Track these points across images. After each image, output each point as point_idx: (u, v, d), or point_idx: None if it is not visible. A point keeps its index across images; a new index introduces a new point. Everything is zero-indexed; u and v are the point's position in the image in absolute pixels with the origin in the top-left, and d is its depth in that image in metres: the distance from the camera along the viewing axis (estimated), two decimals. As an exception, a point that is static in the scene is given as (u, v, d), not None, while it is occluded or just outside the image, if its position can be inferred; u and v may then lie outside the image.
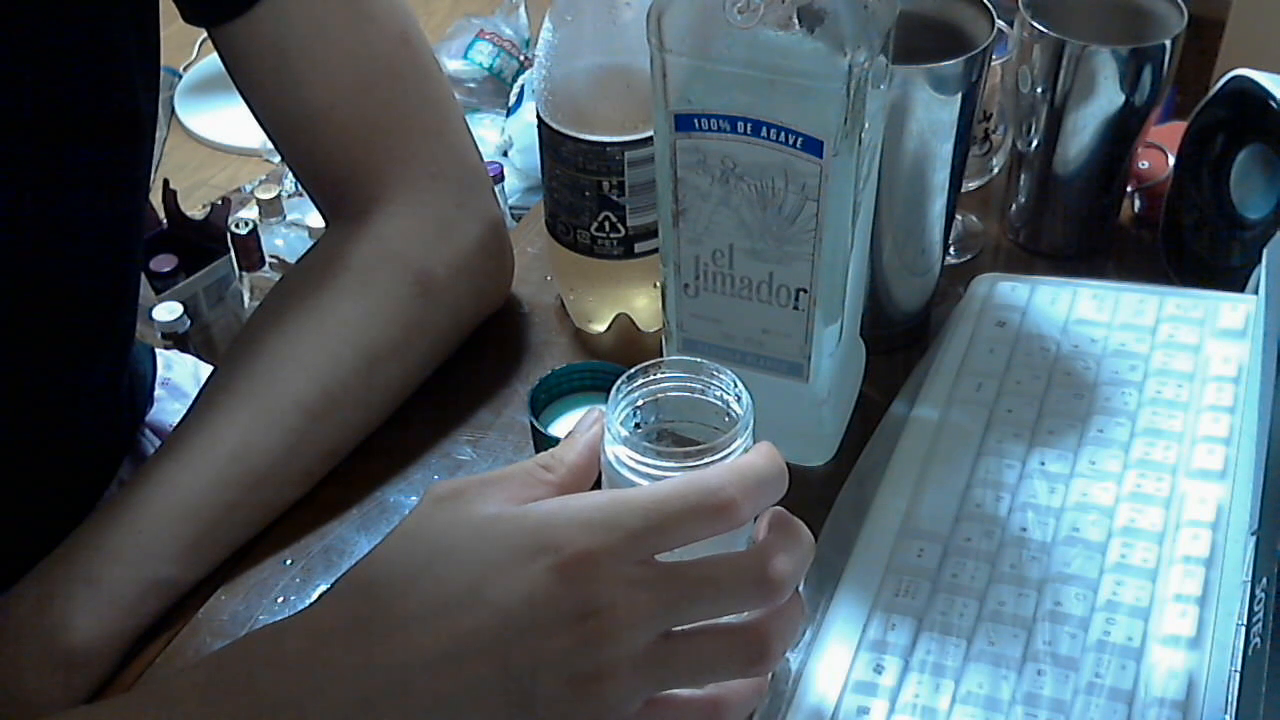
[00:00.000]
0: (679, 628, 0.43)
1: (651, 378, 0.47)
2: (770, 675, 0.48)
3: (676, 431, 0.49)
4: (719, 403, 0.47)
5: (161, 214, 1.73)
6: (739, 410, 0.46)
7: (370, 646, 0.42)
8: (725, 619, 0.44)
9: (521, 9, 2.08)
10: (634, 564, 0.42)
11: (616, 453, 0.46)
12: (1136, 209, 0.80)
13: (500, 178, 1.78)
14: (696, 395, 0.48)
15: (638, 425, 0.47)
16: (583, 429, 0.48)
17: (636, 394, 0.47)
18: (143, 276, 1.58)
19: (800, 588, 0.56)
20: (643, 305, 0.72)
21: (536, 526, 0.43)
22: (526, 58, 2.01)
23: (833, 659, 0.53)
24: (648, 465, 0.45)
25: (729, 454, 0.45)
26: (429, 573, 0.43)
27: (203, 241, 1.69)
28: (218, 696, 0.44)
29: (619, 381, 0.47)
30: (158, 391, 0.81)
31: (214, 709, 0.44)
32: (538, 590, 0.41)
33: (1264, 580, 0.48)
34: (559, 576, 0.41)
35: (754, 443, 0.46)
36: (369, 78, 0.66)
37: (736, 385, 0.47)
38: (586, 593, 0.41)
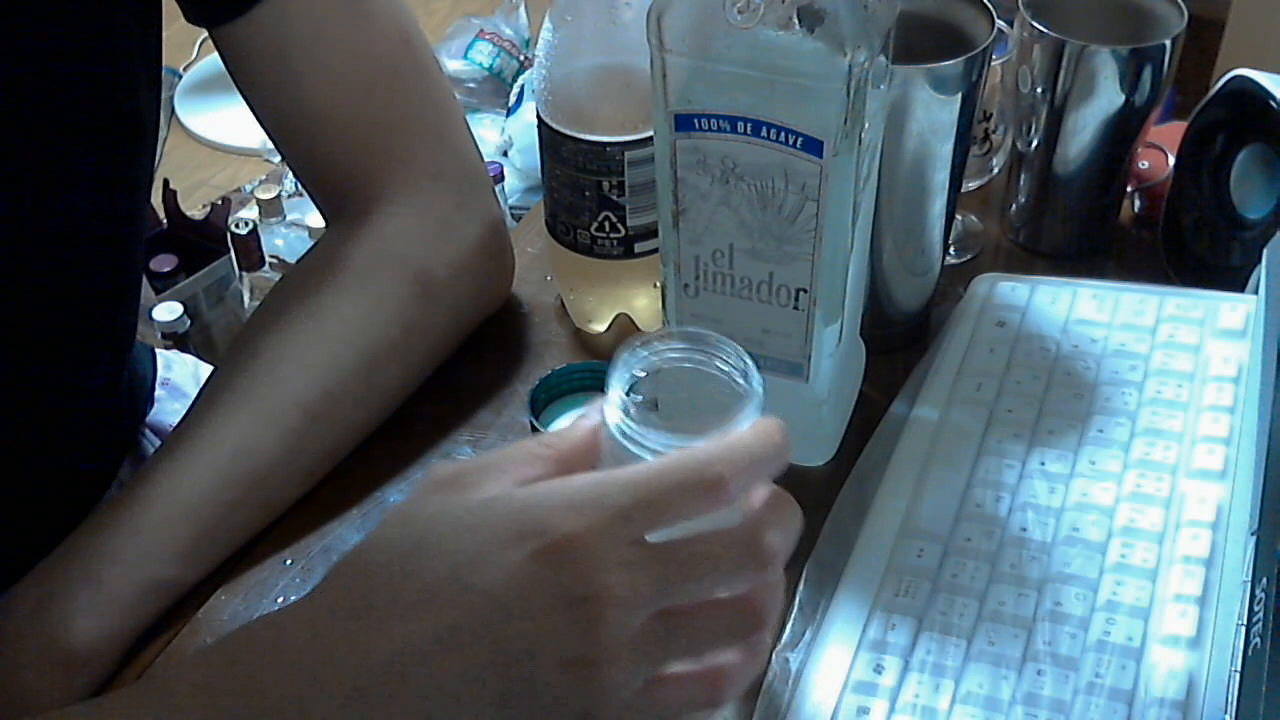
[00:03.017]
0: (674, 604, 0.43)
1: (655, 348, 0.46)
2: (767, 643, 0.46)
3: (680, 404, 0.47)
4: (723, 375, 0.46)
5: (161, 214, 1.73)
6: (745, 384, 0.45)
7: (365, 637, 0.42)
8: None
9: (521, 9, 2.08)
10: (625, 545, 0.41)
11: (617, 422, 0.44)
12: (1136, 209, 0.80)
13: (500, 178, 1.78)
14: (701, 367, 0.46)
15: (630, 392, 0.46)
16: (588, 413, 0.47)
17: (640, 363, 0.46)
18: (143, 276, 1.58)
19: (800, 585, 0.56)
20: (643, 305, 0.72)
21: (523, 509, 0.42)
22: (526, 58, 2.01)
23: (833, 659, 0.53)
24: (649, 437, 0.44)
25: (733, 428, 0.44)
26: (420, 560, 0.43)
27: (203, 241, 1.69)
28: (218, 695, 0.44)
29: (621, 350, 0.46)
30: (158, 392, 0.81)
31: (214, 706, 0.44)
32: (524, 575, 0.41)
33: (1264, 580, 0.48)
34: (545, 560, 0.41)
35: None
36: (369, 78, 0.66)
37: (743, 358, 0.46)
38: (575, 576, 0.41)
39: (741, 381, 0.46)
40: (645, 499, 0.42)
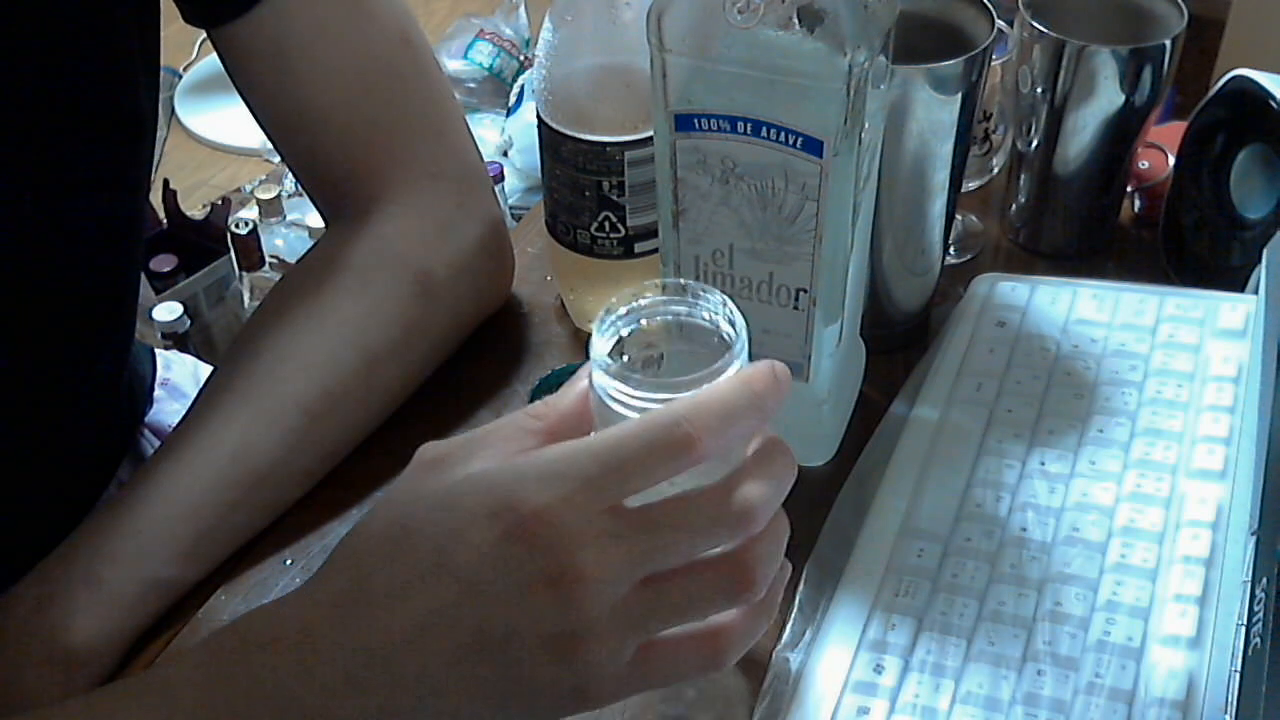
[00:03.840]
0: (656, 571, 0.42)
1: (638, 303, 0.45)
2: (775, 598, 0.45)
3: (682, 359, 0.46)
4: (709, 325, 0.45)
5: (161, 214, 1.73)
6: (731, 333, 0.44)
7: (353, 625, 0.42)
8: (706, 552, 0.42)
9: (521, 9, 2.08)
10: (599, 514, 0.40)
11: (603, 384, 0.43)
12: (1136, 209, 0.80)
13: (500, 178, 1.78)
14: (685, 319, 0.45)
15: (622, 353, 0.45)
16: (579, 377, 0.46)
17: (623, 320, 0.45)
18: (143, 276, 1.58)
19: (800, 585, 0.56)
20: (643, 305, 0.72)
21: (494, 485, 0.41)
22: (526, 58, 2.01)
23: (833, 659, 0.53)
24: (636, 396, 0.43)
25: (717, 378, 0.42)
26: (401, 545, 0.42)
27: (203, 241, 1.69)
28: (214, 689, 0.44)
29: (604, 310, 0.44)
30: (157, 392, 0.81)
31: (209, 699, 0.44)
32: (497, 555, 0.40)
33: (1264, 580, 0.48)
34: (518, 538, 0.40)
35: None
36: (369, 78, 0.66)
37: (726, 305, 0.44)
38: (549, 553, 0.40)
39: (726, 329, 0.44)
40: (613, 465, 0.41)
